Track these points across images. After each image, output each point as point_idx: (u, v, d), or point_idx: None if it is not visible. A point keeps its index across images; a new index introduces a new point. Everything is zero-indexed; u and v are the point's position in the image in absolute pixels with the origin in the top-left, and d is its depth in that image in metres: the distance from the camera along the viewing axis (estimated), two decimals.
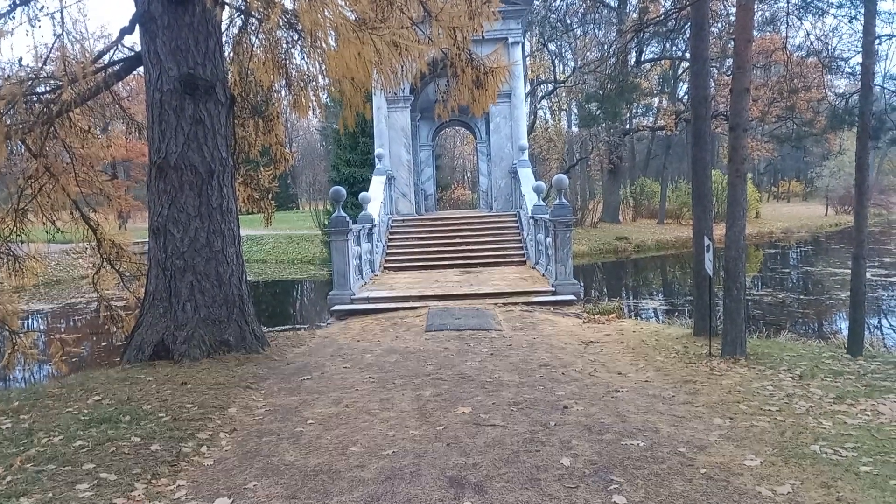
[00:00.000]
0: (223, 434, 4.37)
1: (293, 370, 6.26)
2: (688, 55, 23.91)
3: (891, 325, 12.47)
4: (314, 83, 8.17)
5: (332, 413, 4.80)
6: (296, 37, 7.78)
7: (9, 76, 7.58)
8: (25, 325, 12.95)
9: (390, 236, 14.72)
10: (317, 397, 5.25)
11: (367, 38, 6.49)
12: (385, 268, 13.31)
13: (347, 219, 10.40)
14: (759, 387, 5.11)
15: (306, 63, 8.09)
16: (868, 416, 4.35)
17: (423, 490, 3.38)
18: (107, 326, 9.07)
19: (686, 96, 30.60)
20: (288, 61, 8.03)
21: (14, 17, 7.40)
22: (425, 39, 7.45)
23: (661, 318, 13.24)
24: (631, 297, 16.68)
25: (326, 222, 18.19)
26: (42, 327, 14.43)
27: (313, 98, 8.13)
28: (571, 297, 9.85)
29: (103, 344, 11.48)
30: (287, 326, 12.26)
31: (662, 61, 31.11)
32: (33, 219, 7.96)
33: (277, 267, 24.92)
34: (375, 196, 14.05)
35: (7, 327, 7.50)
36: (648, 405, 4.75)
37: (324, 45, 6.83)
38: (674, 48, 28.44)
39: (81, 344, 11.33)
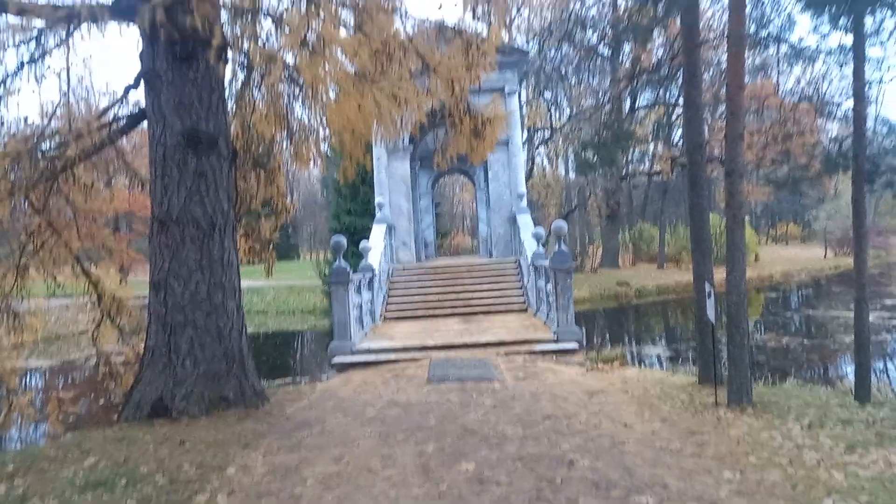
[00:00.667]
0: (221, 497, 4.26)
1: (293, 426, 6.15)
2: (682, 101, 24.35)
3: None
4: (315, 135, 8.28)
5: (332, 471, 4.69)
6: (297, 90, 7.93)
7: (14, 134, 7.70)
8: (23, 382, 12.79)
9: (391, 285, 14.70)
10: (317, 454, 5.14)
11: (367, 90, 6.64)
12: (385, 317, 13.25)
13: (348, 269, 10.41)
14: (767, 437, 5.01)
15: (307, 115, 8.21)
16: (880, 466, 4.26)
17: None
18: (105, 383, 8.95)
19: (681, 141, 31.02)
20: (289, 114, 8.16)
21: (21, 76, 7.57)
22: (424, 91, 7.61)
23: (664, 365, 13.10)
24: (634, 344, 16.54)
25: (327, 272, 18.21)
26: (40, 384, 14.25)
27: (314, 149, 8.23)
28: (574, 344, 9.77)
29: (101, 402, 11.31)
30: (287, 379, 12.11)
31: (657, 107, 31.67)
32: (34, 274, 7.96)
33: (278, 318, 24.77)
34: (376, 245, 14.10)
35: (5, 386, 7.42)
36: (656, 458, 4.65)
37: (324, 97, 6.98)
38: (667, 94, 28.96)
39: (79, 401, 11.16)
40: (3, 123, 7.74)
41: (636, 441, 5.13)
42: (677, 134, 33.82)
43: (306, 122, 8.32)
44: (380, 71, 7.15)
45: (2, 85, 6.97)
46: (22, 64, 7.54)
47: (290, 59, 7.45)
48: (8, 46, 6.51)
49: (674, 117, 32.44)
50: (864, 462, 4.35)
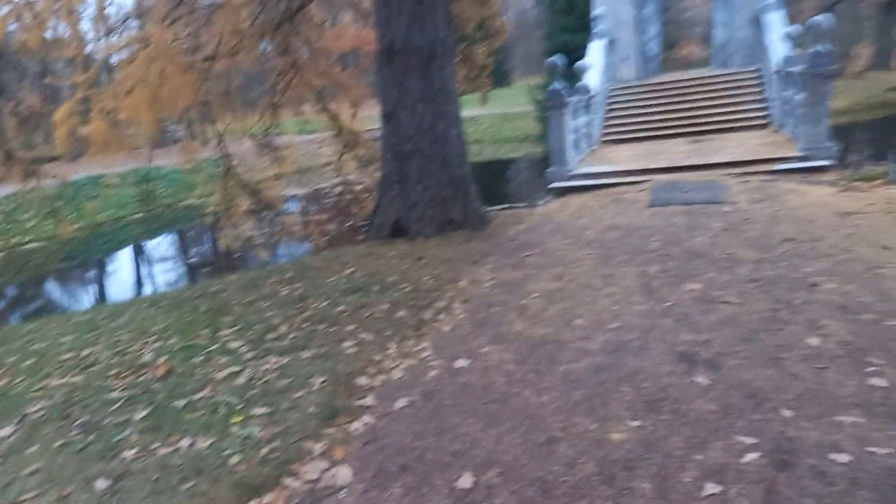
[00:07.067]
0: (457, 304, 4.75)
1: (515, 246, 6.47)
2: None
3: None
4: None
5: (554, 288, 4.91)
6: None
7: None
8: (285, 208, 15.03)
9: (609, 106, 13.94)
10: (539, 272, 5.39)
11: None
12: (604, 140, 12.78)
13: (562, 91, 10.02)
14: None
15: None
16: None
17: (652, 363, 3.37)
18: (349, 208, 10.17)
19: None
20: None
21: None
22: None
23: None
24: None
25: (540, 98, 17.79)
26: (297, 208, 16.65)
27: None
28: (826, 162, 8.57)
29: (347, 224, 12.93)
30: (504, 205, 12.57)
31: None
32: (284, 112, 8.99)
33: (493, 147, 25.28)
34: (593, 63, 13.27)
35: (274, 209, 8.80)
36: None
37: None
38: None
39: (330, 223, 12.90)
40: None
41: None
42: None
43: None
44: None
45: None
46: None
47: None
48: None
49: None
50: None
